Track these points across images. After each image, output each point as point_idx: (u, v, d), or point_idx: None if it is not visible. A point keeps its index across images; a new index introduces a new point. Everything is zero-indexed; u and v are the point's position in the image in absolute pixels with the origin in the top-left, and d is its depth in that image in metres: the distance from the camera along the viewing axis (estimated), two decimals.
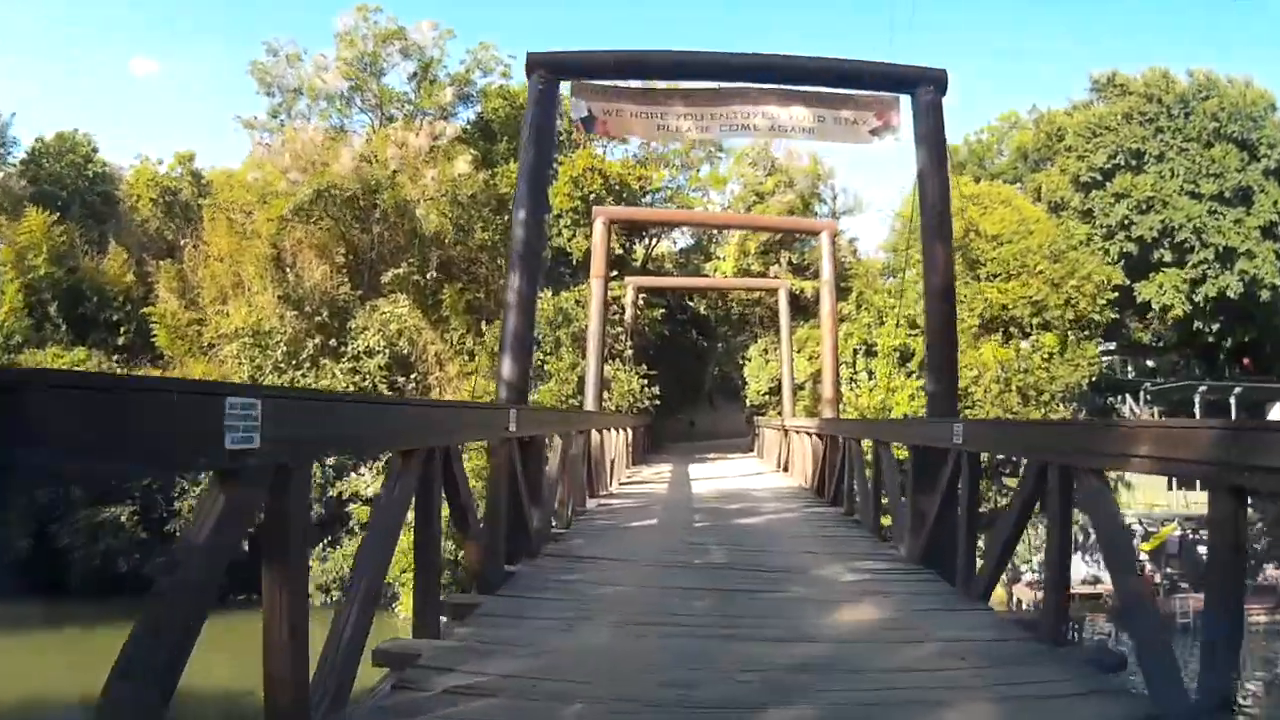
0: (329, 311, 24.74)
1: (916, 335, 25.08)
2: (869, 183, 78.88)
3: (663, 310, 24.68)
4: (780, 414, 25.22)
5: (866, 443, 10.52)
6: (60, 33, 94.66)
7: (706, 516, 10.90)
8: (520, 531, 6.63)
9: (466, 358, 23.86)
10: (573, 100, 8.98)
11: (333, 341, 24.20)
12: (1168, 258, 33.56)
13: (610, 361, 20.15)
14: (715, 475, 17.72)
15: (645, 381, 20.69)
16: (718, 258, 28.11)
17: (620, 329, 21.62)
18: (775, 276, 25.56)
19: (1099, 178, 34.26)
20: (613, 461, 14.52)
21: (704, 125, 9.47)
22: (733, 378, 33.29)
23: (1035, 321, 28.02)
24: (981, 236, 31.57)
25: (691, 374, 34.06)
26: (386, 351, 24.27)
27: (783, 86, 9.07)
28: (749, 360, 27.54)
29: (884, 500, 9.32)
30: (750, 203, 26.86)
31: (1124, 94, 36.77)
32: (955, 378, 8.79)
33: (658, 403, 20.91)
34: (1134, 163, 33.70)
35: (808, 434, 15.38)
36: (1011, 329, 29.24)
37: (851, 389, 24.54)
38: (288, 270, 25.53)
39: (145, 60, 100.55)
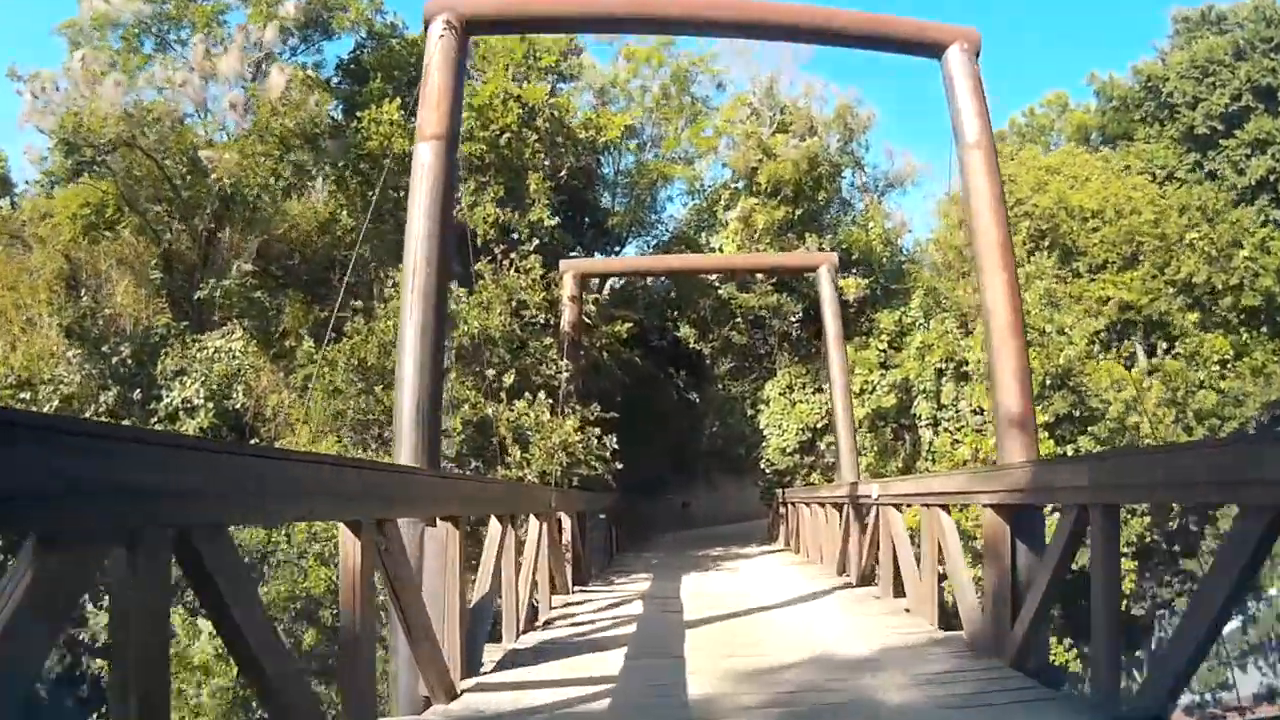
0: (132, 350, 17.68)
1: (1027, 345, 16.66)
2: (926, 136, 66.82)
3: (630, 325, 16.11)
4: (830, 478, 16.57)
5: None
6: None
7: None
8: None
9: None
10: None
11: (139, 393, 17.30)
12: None
13: (529, 396, 11.56)
14: (732, 605, 9.01)
15: (598, 432, 11.99)
16: (710, 249, 19.60)
17: (548, 339, 13.04)
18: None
19: (1219, 126, 26.45)
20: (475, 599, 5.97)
21: None
22: (734, 445, 24.78)
23: (1191, 320, 19.86)
24: (1074, 216, 23.55)
25: (681, 437, 25.51)
26: (209, 407, 17.13)
27: None
28: (765, 405, 18.92)
29: None
30: (754, 164, 18.64)
31: (1220, 32, 29.41)
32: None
33: (619, 466, 12.19)
34: (1261, 105, 25.96)
35: (940, 505, 7.01)
36: (1152, 332, 21.03)
37: (941, 431, 15.95)
38: (84, 293, 19.10)
39: None
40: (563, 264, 14.42)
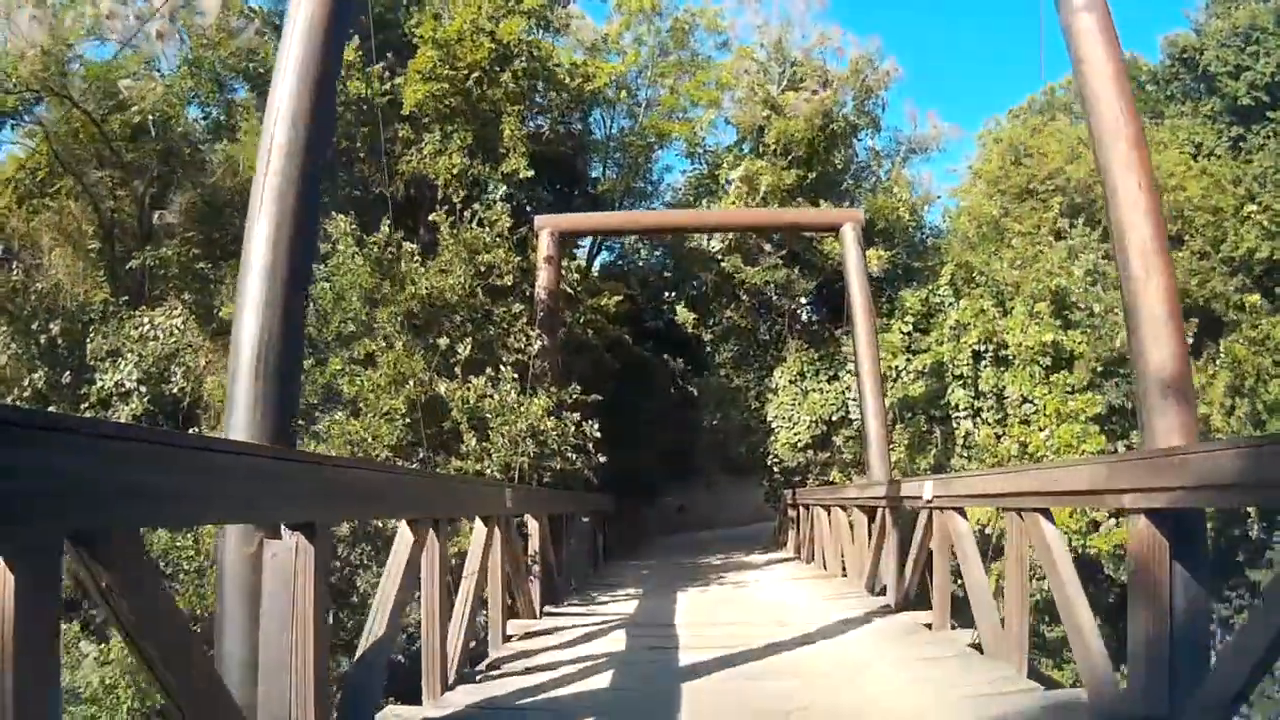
0: (62, 328, 15.77)
1: (1072, 326, 14.64)
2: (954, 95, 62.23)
3: (619, 299, 13.91)
4: (849, 476, 14.50)
5: None
6: None
7: None
8: None
9: None
10: None
11: (69, 376, 15.40)
12: None
13: (491, 373, 9.40)
14: (743, 638, 6.75)
15: (576, 417, 9.78)
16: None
17: (517, 307, 10.83)
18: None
19: (1265, 97, 24.33)
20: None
21: None
22: (735, 441, 22.61)
23: (1252, 301, 17.68)
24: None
25: (678, 432, 23.31)
26: (143, 392, 14.91)
27: None
28: (773, 395, 16.73)
29: None
30: (761, 122, 16.46)
31: None
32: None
33: (602, 459, 9.97)
34: None
35: (1039, 509, 4.89)
36: (1202, 317, 18.89)
37: (979, 420, 13.78)
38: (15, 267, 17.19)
39: None
40: (538, 220, 12.22)
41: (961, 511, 7.08)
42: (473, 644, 6.26)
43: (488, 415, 9.02)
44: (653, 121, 18.32)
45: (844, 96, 17.30)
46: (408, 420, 9.11)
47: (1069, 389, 13.99)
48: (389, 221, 10.21)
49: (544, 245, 11.82)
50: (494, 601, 6.86)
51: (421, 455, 9.25)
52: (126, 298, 16.91)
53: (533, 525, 8.64)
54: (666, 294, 20.25)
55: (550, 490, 9.60)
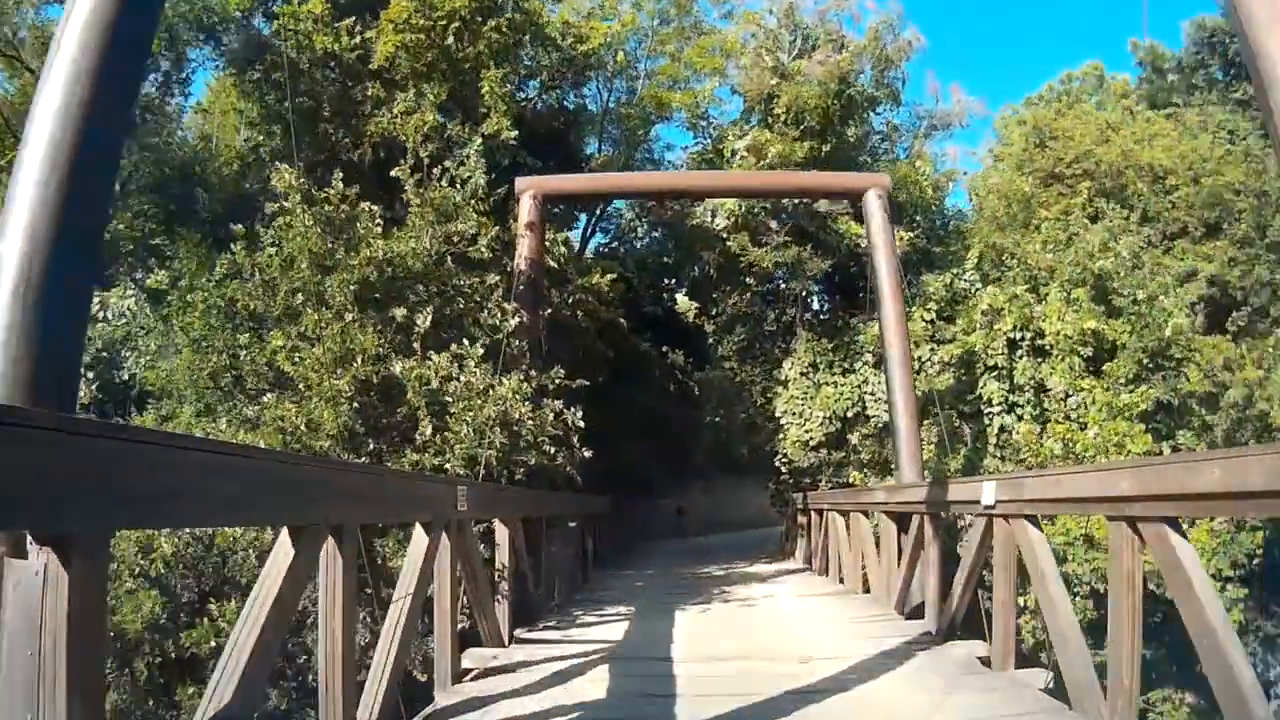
0: None
1: (1113, 315, 13.25)
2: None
3: (612, 276, 12.45)
4: (874, 476, 13.15)
5: None
6: None
7: None
8: None
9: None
10: None
11: None
12: None
13: (456, 349, 7.96)
14: (759, 683, 5.23)
15: (558, 405, 8.30)
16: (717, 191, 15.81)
17: (492, 277, 9.36)
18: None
19: None
20: None
21: None
22: (739, 439, 21.20)
23: None
24: (1143, 177, 20.06)
25: (677, 430, 21.91)
26: (90, 377, 14.12)
27: None
28: (783, 389, 15.26)
29: None
30: (770, 88, 14.97)
31: None
32: None
33: (587, 454, 8.49)
34: None
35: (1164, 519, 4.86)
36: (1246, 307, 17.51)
37: (1016, 416, 12.34)
38: None
39: None
40: (519, 182, 10.74)
41: (1034, 520, 5.64)
42: (428, 676, 4.82)
43: (448, 399, 7.55)
44: (651, 91, 16.85)
45: (862, 64, 15.84)
46: (355, 405, 7.65)
47: (1107, 385, 12.57)
48: (340, 176, 8.77)
49: (525, 210, 10.34)
50: (441, 632, 5.41)
51: (371, 448, 7.79)
52: None
53: (501, 532, 7.18)
54: (666, 280, 18.78)
55: (526, 490, 8.13)
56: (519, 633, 7.42)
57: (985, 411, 12.55)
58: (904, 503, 8.47)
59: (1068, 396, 11.80)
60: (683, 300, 17.49)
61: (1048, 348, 12.99)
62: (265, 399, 7.79)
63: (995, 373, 12.59)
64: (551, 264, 11.65)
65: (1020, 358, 12.54)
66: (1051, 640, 5.22)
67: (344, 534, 3.67)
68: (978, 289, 14.49)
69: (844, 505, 11.22)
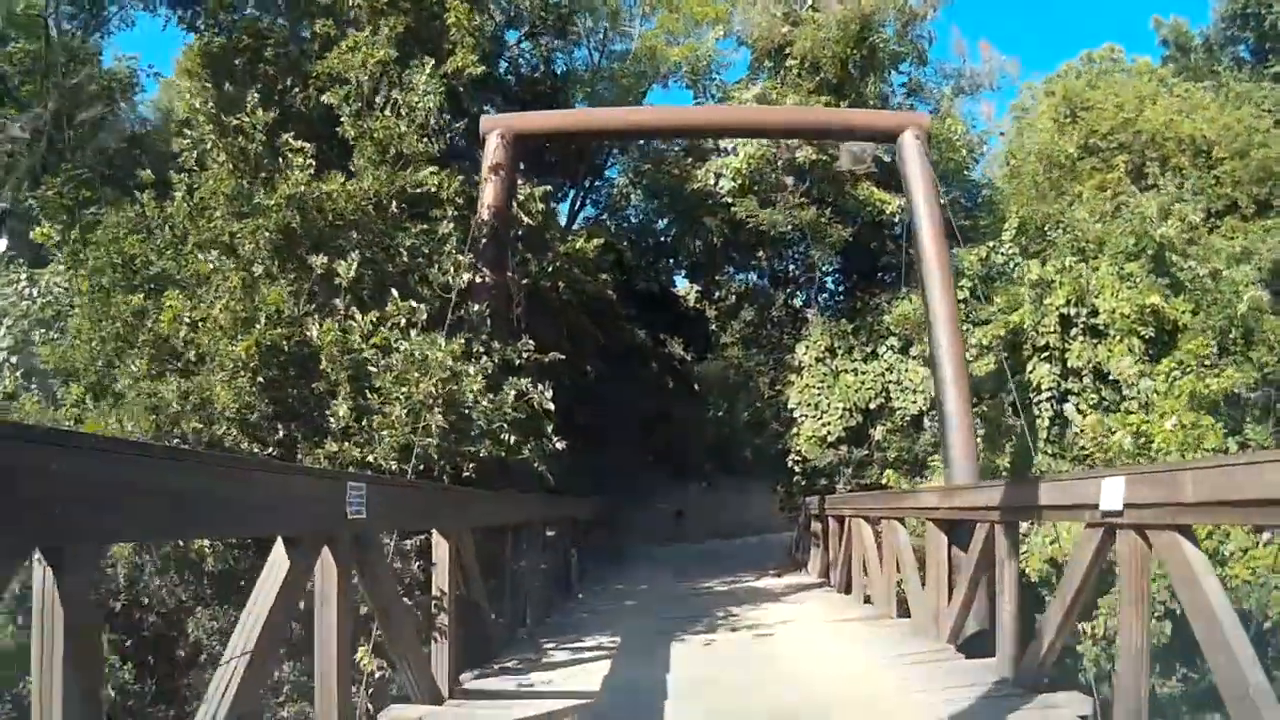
0: None
1: (1179, 289, 11.57)
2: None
3: (599, 241, 10.69)
4: (903, 477, 11.43)
5: None
6: None
7: None
8: None
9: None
10: None
11: None
12: None
13: (395, 306, 6.14)
14: None
15: (523, 384, 6.47)
16: (720, 153, 14.01)
17: (445, 226, 7.53)
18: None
19: None
20: None
21: None
22: (743, 437, 19.57)
23: None
24: (1184, 150, 18.38)
25: (677, 428, 20.25)
26: (14, 364, 11.66)
27: None
28: (796, 376, 13.48)
29: None
30: (780, 38, 13.21)
31: None
32: None
33: (560, 445, 6.67)
34: None
35: None
36: None
37: (1073, 404, 10.57)
38: None
39: None
40: (485, 120, 8.96)
41: (1188, 533, 3.89)
42: None
43: (374, 370, 5.78)
44: (647, 44, 15.06)
45: (885, 15, 14.07)
46: (260, 380, 5.87)
47: (1177, 366, 10.80)
48: (256, 94, 7.02)
49: (491, 151, 8.54)
50: (324, 697, 3.63)
51: (280, 435, 6.01)
52: (12, 253, 13.97)
53: (441, 548, 5.39)
54: (663, 260, 17.00)
55: (479, 492, 6.32)
56: (467, 678, 5.65)
57: (1034, 400, 10.77)
58: (966, 508, 6.68)
59: (1141, 379, 10.03)
60: (682, 283, 15.73)
61: (1102, 326, 11.23)
62: (132, 366, 6.01)
63: (1045, 354, 10.82)
64: (527, 222, 9.85)
65: (1075, 338, 10.76)
66: (1225, 695, 3.49)
67: (81, 557, 1.92)
68: (1017, 263, 12.75)
69: (874, 510, 9.43)
